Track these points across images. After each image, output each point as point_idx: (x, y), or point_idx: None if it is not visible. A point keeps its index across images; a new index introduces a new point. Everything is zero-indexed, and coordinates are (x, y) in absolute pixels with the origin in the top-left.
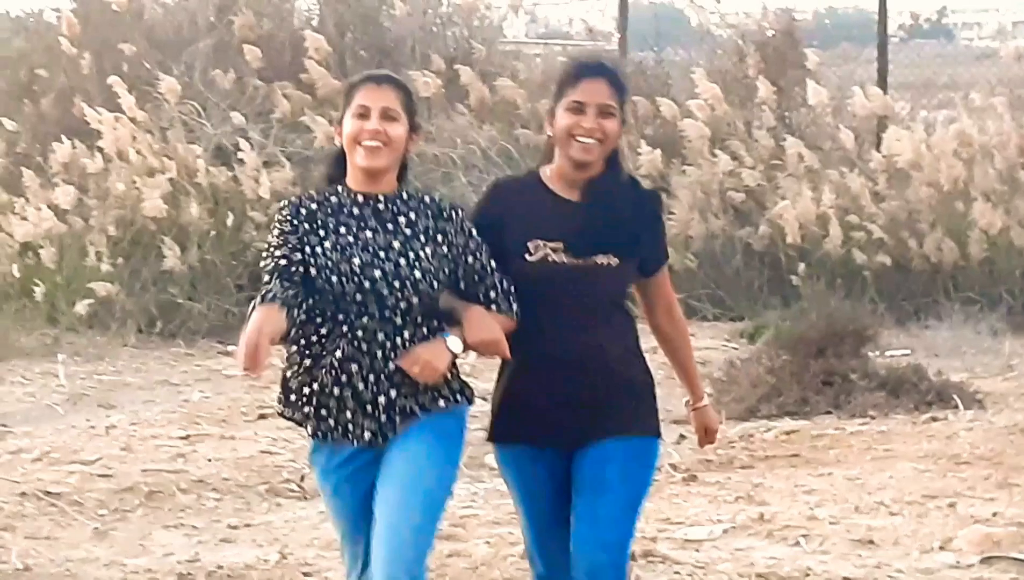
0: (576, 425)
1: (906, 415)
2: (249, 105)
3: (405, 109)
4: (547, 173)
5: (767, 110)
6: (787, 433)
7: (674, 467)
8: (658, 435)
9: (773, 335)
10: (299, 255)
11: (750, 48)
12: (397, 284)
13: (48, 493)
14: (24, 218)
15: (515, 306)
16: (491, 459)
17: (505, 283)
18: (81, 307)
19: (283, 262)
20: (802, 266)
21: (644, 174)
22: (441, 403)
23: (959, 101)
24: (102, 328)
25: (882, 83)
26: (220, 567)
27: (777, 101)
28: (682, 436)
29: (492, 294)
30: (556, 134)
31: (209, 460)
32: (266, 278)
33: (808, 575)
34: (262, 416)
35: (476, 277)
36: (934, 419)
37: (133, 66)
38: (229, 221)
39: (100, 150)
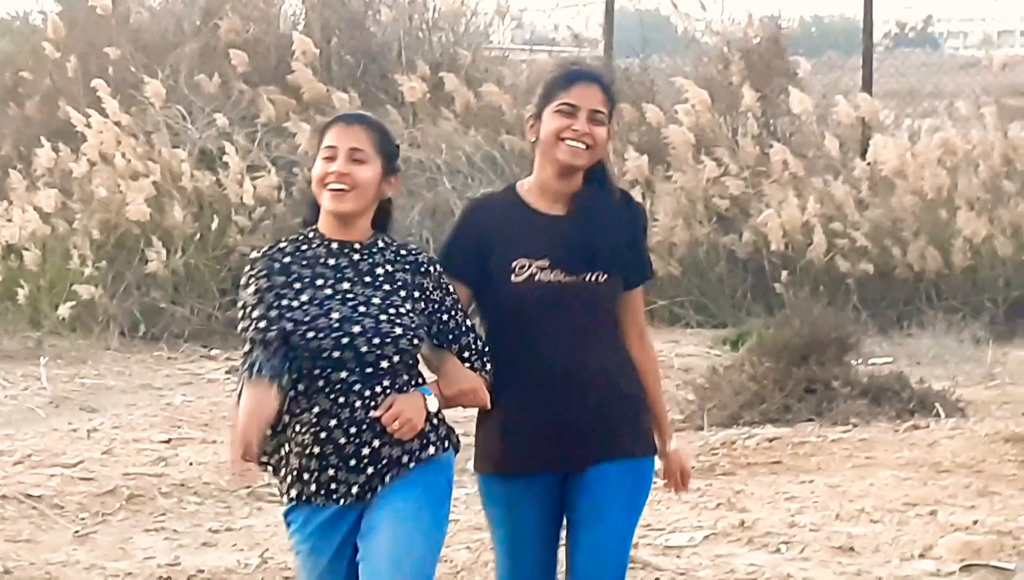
0: (572, 447)
1: (888, 423)
2: (234, 109)
3: (378, 150)
4: (525, 188)
5: (752, 117)
6: (769, 440)
7: (656, 473)
8: (654, 452)
9: (756, 342)
10: (276, 312)
11: (735, 55)
12: (377, 341)
13: (29, 496)
14: (8, 221)
15: (488, 365)
16: (471, 465)
17: (480, 342)
18: (64, 310)
19: (262, 324)
20: (785, 273)
21: (630, 180)
22: (431, 450)
23: (944, 110)
24: (85, 331)
25: (867, 91)
26: (201, 571)
27: (762, 108)
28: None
29: (467, 354)
30: (543, 137)
31: (191, 464)
32: (247, 346)
33: None
34: None
35: (451, 336)
36: (916, 427)
37: (118, 69)
38: (213, 225)
39: (85, 153)
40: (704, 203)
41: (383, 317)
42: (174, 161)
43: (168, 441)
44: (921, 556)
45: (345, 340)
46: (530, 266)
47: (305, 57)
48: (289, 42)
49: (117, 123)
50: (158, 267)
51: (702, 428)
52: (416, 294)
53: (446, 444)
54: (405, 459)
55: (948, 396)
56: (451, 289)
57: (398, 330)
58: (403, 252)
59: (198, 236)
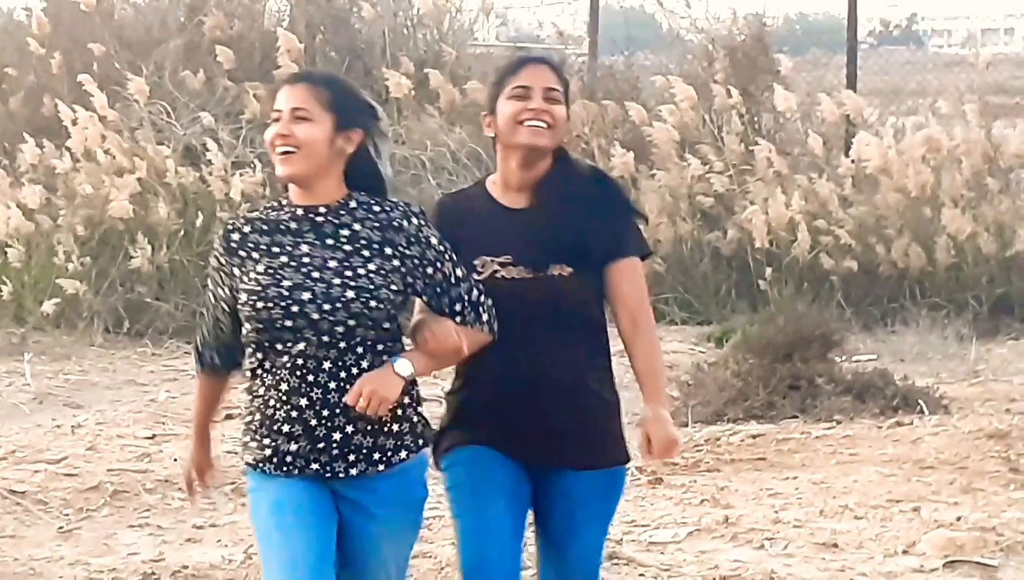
0: (542, 443)
1: (872, 420)
2: (219, 106)
3: (327, 106)
4: (492, 182)
5: (736, 115)
6: (753, 437)
7: (639, 470)
8: (627, 460)
9: (740, 339)
10: (225, 291)
11: (720, 53)
12: (327, 306)
13: (13, 492)
14: None
15: (486, 316)
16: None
17: (475, 293)
18: (48, 306)
19: (212, 302)
20: (769, 271)
21: (616, 177)
22: (403, 454)
23: (928, 107)
24: (69, 327)
25: (851, 89)
26: (185, 567)
27: (746, 106)
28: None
29: (458, 306)
30: (500, 126)
31: (175, 460)
32: (199, 325)
33: (772, 578)
34: (228, 416)
35: (438, 289)
36: (899, 424)
37: (103, 66)
38: (198, 221)
39: (69, 150)
40: (688, 200)
41: (336, 281)
42: (159, 157)
43: (152, 437)
44: (905, 552)
45: (295, 308)
46: (492, 263)
47: (290, 54)
48: (274, 39)
49: (102, 119)
50: (143, 263)
51: (686, 425)
52: (387, 251)
53: (420, 442)
54: (376, 456)
55: (932, 393)
56: (433, 241)
57: (350, 293)
58: (376, 208)
59: (183, 232)
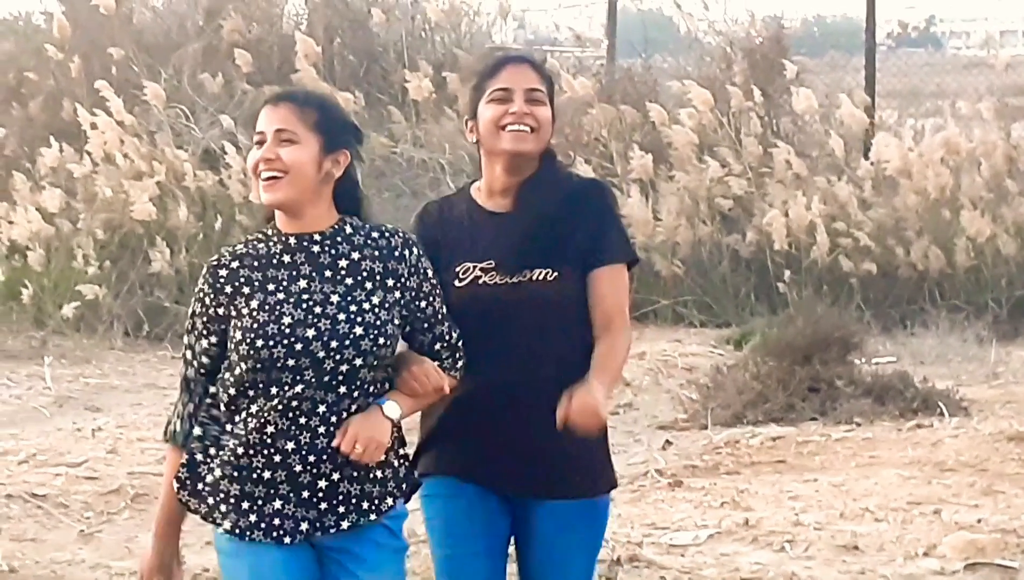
0: (520, 471)
1: (891, 422)
2: (237, 109)
3: (313, 128)
4: (477, 188)
5: (754, 117)
6: (773, 439)
7: (660, 472)
8: (612, 487)
9: (760, 342)
10: (207, 343)
11: (738, 55)
12: (335, 344)
13: (34, 495)
14: (11, 221)
15: (460, 362)
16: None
17: (454, 335)
18: (68, 310)
19: (190, 358)
20: (789, 273)
21: (635, 179)
22: (390, 501)
23: (947, 109)
24: (89, 331)
25: (870, 91)
26: (206, 570)
27: (765, 108)
28: (668, 442)
29: (438, 346)
30: (482, 132)
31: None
32: (180, 380)
33: None
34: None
35: (425, 325)
36: (919, 426)
37: (122, 70)
38: (216, 225)
39: (88, 153)
40: (707, 203)
41: (341, 316)
42: (177, 161)
43: None
44: (925, 555)
45: (299, 346)
46: (473, 269)
47: (308, 58)
48: (292, 42)
49: (120, 123)
50: (162, 267)
51: (706, 427)
52: (390, 282)
53: (403, 487)
54: (365, 505)
55: (952, 395)
56: (429, 273)
57: (358, 330)
58: (375, 235)
59: (201, 236)
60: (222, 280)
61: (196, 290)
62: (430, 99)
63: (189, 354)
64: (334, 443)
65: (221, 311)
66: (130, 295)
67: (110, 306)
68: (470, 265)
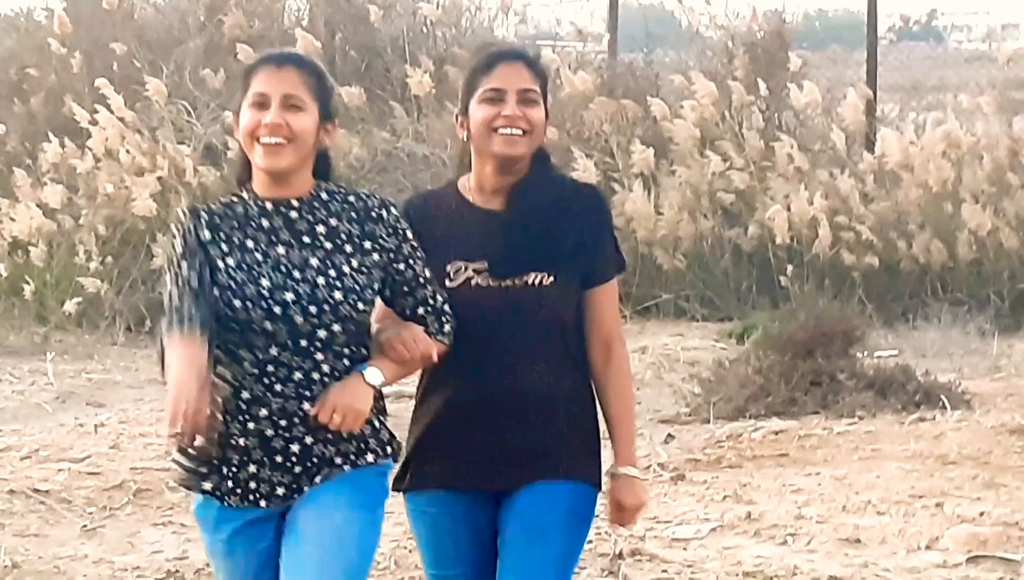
0: (506, 470)
1: (894, 415)
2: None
3: (315, 95)
4: (465, 183)
5: (756, 111)
6: (775, 433)
7: (662, 466)
8: (598, 486)
9: (762, 336)
10: (208, 270)
11: (739, 50)
12: (313, 309)
13: (37, 491)
14: (13, 218)
15: (448, 326)
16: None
17: (439, 298)
18: (70, 306)
19: (192, 274)
20: (791, 267)
21: (636, 173)
22: (370, 457)
23: (949, 103)
24: (91, 326)
25: (871, 85)
26: (208, 564)
27: (766, 103)
28: (670, 436)
29: (421, 310)
30: (473, 132)
31: None
32: (174, 295)
33: (795, 574)
34: None
35: (406, 288)
36: (921, 419)
37: (123, 65)
38: None
39: (90, 149)
40: (709, 197)
41: (321, 280)
42: (179, 157)
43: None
44: (928, 548)
45: (277, 310)
46: (466, 269)
47: (310, 53)
48: (293, 38)
49: (122, 119)
50: (163, 262)
51: (708, 421)
52: (367, 245)
53: (387, 450)
54: (339, 461)
55: (954, 388)
56: (409, 235)
57: (337, 294)
58: (351, 198)
59: None
60: (204, 224)
61: (179, 232)
62: (431, 94)
63: (192, 274)
64: (311, 412)
65: (207, 246)
66: (132, 291)
67: (112, 302)
68: (461, 264)
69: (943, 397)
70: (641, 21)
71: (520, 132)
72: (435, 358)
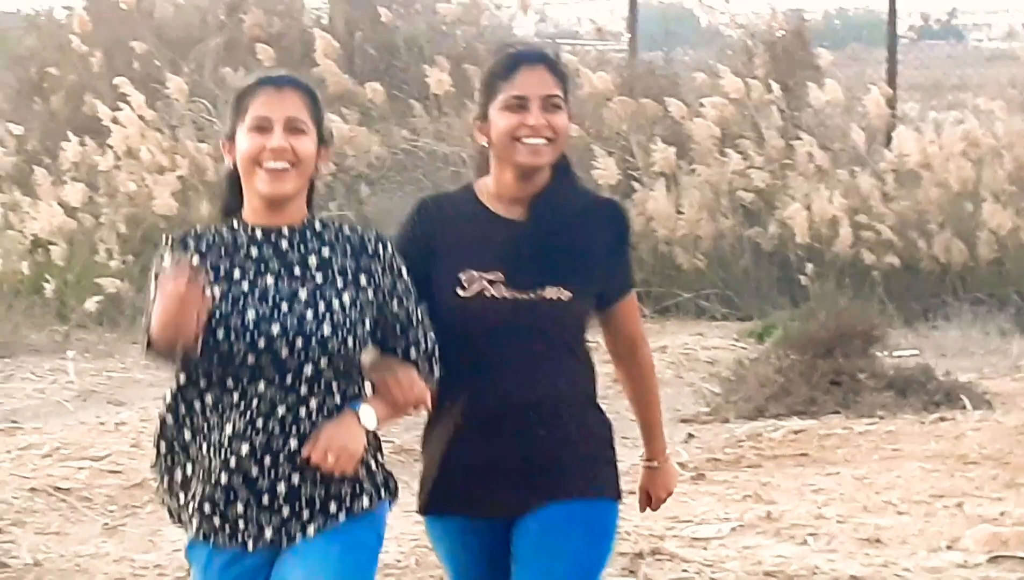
0: (519, 490)
1: (914, 415)
2: None
3: (313, 118)
4: (483, 188)
5: (775, 110)
6: (795, 432)
7: (682, 466)
8: (617, 498)
9: (782, 335)
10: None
11: (759, 48)
12: (300, 342)
13: (58, 489)
14: (34, 216)
15: (436, 371)
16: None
17: (429, 341)
18: (91, 304)
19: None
20: (811, 266)
21: (657, 172)
22: (365, 501)
23: (969, 102)
24: (112, 325)
25: (892, 84)
26: None
27: (786, 101)
28: (690, 435)
29: (412, 353)
30: (495, 141)
31: None
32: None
33: (815, 573)
34: None
35: (398, 328)
36: (942, 419)
37: (144, 64)
38: None
39: (110, 148)
40: (729, 196)
41: (309, 314)
42: (199, 155)
43: None
44: (948, 548)
45: (262, 342)
46: (480, 279)
47: (329, 52)
48: (313, 36)
49: (142, 117)
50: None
51: (728, 421)
52: (362, 280)
53: (382, 493)
54: (333, 507)
55: (974, 388)
56: (404, 274)
57: (326, 329)
58: (346, 231)
59: None
60: (188, 254)
61: (157, 259)
62: (451, 93)
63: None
64: (303, 453)
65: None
66: None
67: (133, 300)
68: (476, 274)
69: (963, 397)
70: (661, 20)
71: (545, 141)
72: (428, 404)
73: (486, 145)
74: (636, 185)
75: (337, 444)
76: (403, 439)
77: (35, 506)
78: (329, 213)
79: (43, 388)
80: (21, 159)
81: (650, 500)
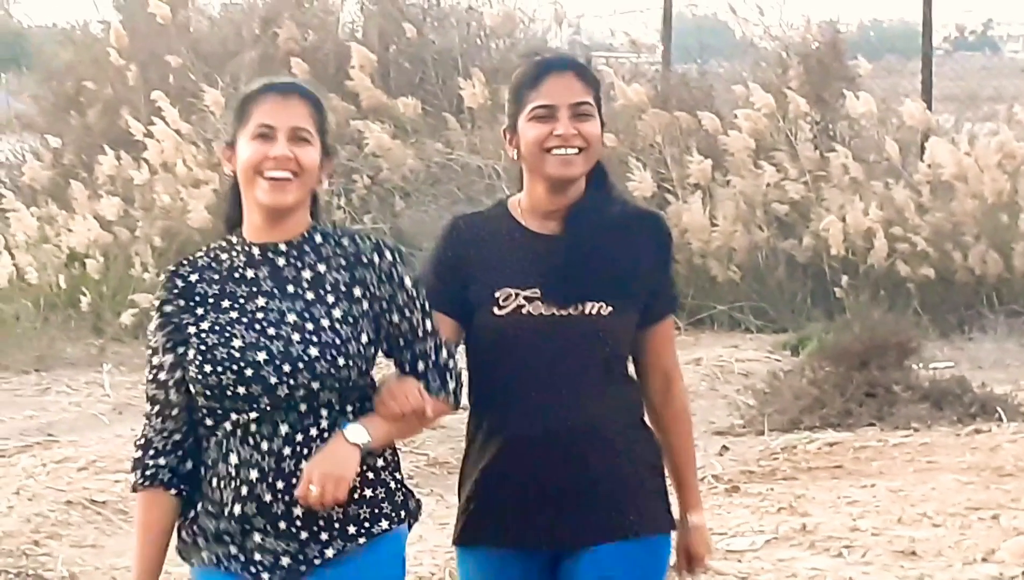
0: (564, 520)
1: (949, 427)
2: None
3: (318, 128)
4: (517, 204)
5: (810, 122)
6: (830, 444)
7: (716, 478)
8: (670, 529)
9: (816, 347)
10: (175, 356)
11: (794, 60)
12: (288, 368)
13: (93, 502)
14: (70, 229)
15: (452, 384)
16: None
17: (443, 354)
18: (126, 317)
19: (161, 381)
20: (846, 278)
21: (691, 184)
22: (384, 524)
23: (1004, 113)
24: (147, 338)
25: (927, 95)
26: None
27: (820, 113)
28: (725, 447)
29: (421, 365)
30: (524, 153)
31: None
32: (146, 406)
33: None
34: None
35: (401, 341)
36: (977, 431)
37: (179, 78)
38: None
39: (146, 162)
40: (764, 208)
41: (296, 336)
42: None
43: None
44: (984, 560)
45: (249, 372)
46: (516, 297)
47: (364, 65)
48: (347, 50)
49: (178, 131)
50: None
51: (763, 433)
52: (357, 292)
53: (402, 514)
54: (352, 530)
55: (1010, 400)
56: (407, 283)
57: (313, 351)
58: (345, 242)
59: None
60: (177, 290)
61: (156, 302)
62: (485, 106)
63: (159, 378)
64: (296, 494)
65: (179, 319)
66: None
67: None
68: (512, 291)
69: (999, 409)
70: (695, 32)
71: (576, 150)
72: (430, 415)
73: (516, 158)
74: (670, 197)
75: (318, 473)
76: (437, 452)
77: (71, 519)
78: (364, 226)
79: (79, 401)
80: (57, 173)
81: (690, 561)
